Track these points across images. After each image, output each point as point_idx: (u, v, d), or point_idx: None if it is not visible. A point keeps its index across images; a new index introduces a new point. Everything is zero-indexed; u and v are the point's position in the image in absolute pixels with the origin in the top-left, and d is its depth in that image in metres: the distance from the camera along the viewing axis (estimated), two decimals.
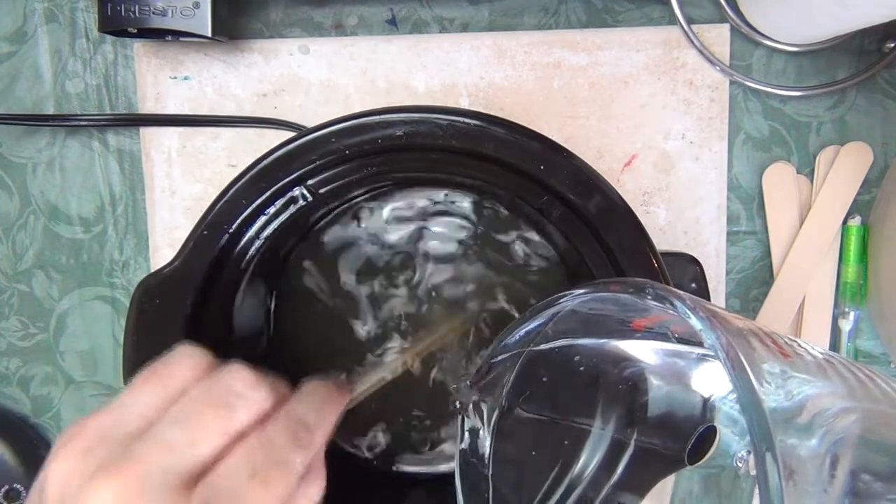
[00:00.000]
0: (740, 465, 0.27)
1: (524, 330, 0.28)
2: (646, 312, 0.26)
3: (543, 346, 0.29)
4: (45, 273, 0.41)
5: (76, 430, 0.21)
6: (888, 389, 0.23)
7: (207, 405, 0.21)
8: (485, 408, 0.29)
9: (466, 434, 0.29)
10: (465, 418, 0.29)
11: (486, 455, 0.29)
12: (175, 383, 0.22)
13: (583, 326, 0.28)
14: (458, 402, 0.30)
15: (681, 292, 0.22)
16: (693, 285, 0.31)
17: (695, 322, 0.20)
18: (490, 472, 0.28)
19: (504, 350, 0.29)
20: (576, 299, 0.25)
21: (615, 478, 0.29)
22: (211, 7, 0.35)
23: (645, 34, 0.37)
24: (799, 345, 0.23)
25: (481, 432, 0.29)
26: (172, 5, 0.34)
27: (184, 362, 0.23)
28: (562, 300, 0.25)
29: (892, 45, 0.36)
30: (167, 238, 0.40)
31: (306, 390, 0.25)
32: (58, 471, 0.20)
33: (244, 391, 0.22)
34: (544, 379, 0.30)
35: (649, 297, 0.22)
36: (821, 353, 0.23)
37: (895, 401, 0.23)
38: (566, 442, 0.30)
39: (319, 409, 0.24)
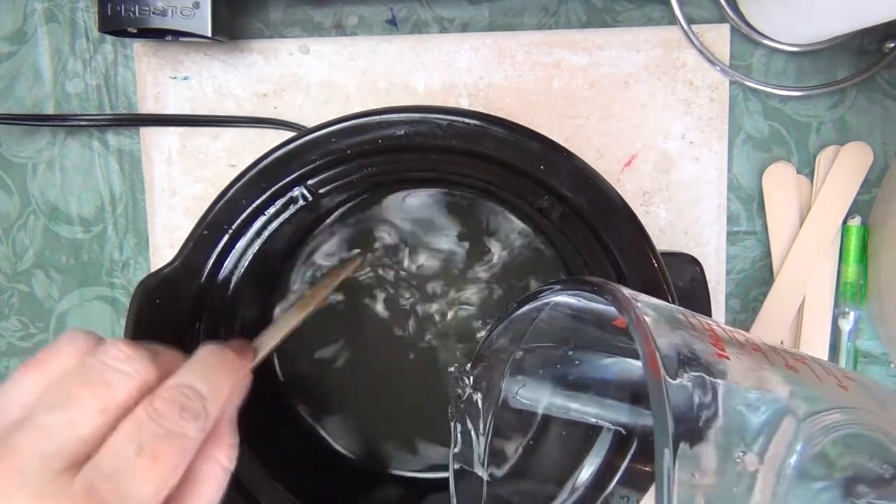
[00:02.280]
0: (738, 461, 0.27)
1: (508, 319, 0.28)
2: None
3: (536, 345, 0.29)
4: (45, 273, 0.41)
5: None
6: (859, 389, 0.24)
7: (82, 384, 0.21)
8: (480, 407, 0.29)
9: (459, 437, 0.29)
10: (458, 422, 0.29)
11: (482, 457, 0.29)
12: (55, 368, 0.21)
13: (575, 322, 0.28)
14: (451, 407, 0.30)
15: (617, 285, 0.22)
16: (693, 285, 0.31)
17: (617, 308, 0.20)
18: (486, 475, 0.28)
19: (495, 341, 0.29)
20: (557, 294, 0.25)
21: (618, 474, 0.29)
22: (211, 7, 0.35)
23: (645, 34, 0.37)
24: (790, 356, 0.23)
25: (474, 435, 0.29)
26: (172, 5, 0.34)
27: (65, 347, 0.22)
28: (543, 294, 0.25)
29: (892, 45, 0.36)
30: (167, 238, 0.40)
31: (197, 358, 0.24)
32: None
33: (120, 365, 0.21)
34: (540, 372, 0.29)
35: (588, 291, 0.22)
36: (819, 366, 0.24)
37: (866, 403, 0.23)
38: (566, 438, 0.30)
39: (212, 375, 0.23)
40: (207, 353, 0.24)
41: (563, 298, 0.26)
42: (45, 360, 0.22)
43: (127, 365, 0.21)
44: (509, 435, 0.29)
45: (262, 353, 0.27)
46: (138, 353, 0.22)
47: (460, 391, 0.30)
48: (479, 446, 0.29)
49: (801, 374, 0.23)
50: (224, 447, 0.23)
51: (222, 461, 0.23)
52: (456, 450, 0.29)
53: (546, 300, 0.26)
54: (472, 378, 0.29)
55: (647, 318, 0.19)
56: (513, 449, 0.30)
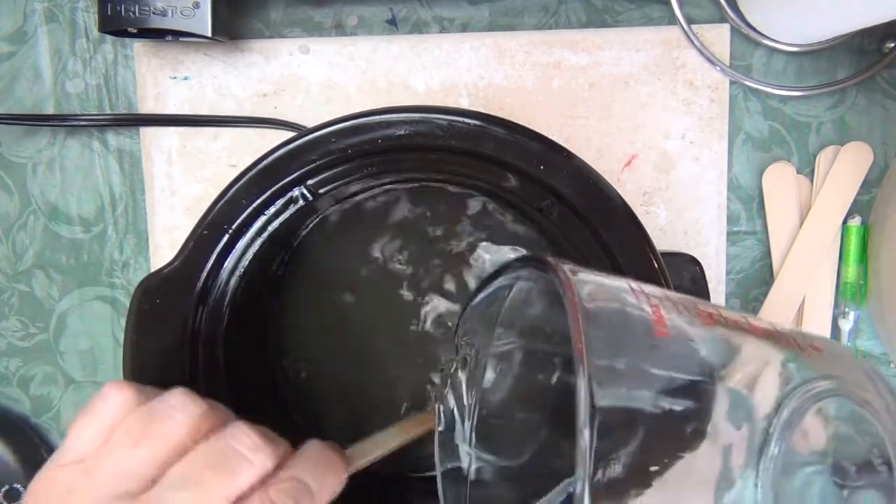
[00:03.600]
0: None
1: (476, 301, 0.27)
2: None
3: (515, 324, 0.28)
4: (45, 273, 0.41)
5: (61, 482, 0.21)
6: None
7: (211, 469, 0.21)
8: (464, 387, 0.29)
9: (442, 417, 0.29)
10: (442, 402, 0.29)
11: (467, 435, 0.28)
12: (173, 439, 0.21)
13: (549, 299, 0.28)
14: (434, 390, 0.29)
15: (560, 262, 0.22)
16: (693, 285, 0.31)
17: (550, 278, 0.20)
18: (472, 452, 0.28)
19: (470, 321, 0.28)
20: (516, 271, 0.25)
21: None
22: (211, 7, 0.35)
23: (645, 34, 0.37)
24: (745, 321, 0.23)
25: (457, 414, 0.29)
26: (172, 5, 0.34)
27: (179, 418, 0.22)
28: (504, 273, 0.25)
29: (892, 45, 0.36)
30: (167, 238, 0.40)
31: (308, 453, 0.24)
32: None
33: (248, 453, 0.22)
34: (522, 354, 0.29)
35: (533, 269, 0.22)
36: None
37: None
38: (552, 415, 0.30)
39: (322, 472, 0.24)
40: (318, 451, 0.25)
41: (525, 278, 0.26)
42: (161, 429, 0.21)
43: (254, 454, 0.22)
44: (496, 413, 0.29)
45: (358, 463, 0.27)
46: (264, 443, 0.22)
47: (444, 370, 0.29)
48: (464, 425, 0.28)
49: (781, 345, 0.23)
50: None
51: None
52: (440, 428, 0.29)
53: (507, 279, 0.26)
54: (455, 361, 0.29)
55: (584, 301, 0.19)
56: (499, 427, 0.29)
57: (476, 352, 0.29)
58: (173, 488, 0.20)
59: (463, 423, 0.28)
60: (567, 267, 0.21)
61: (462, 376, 0.29)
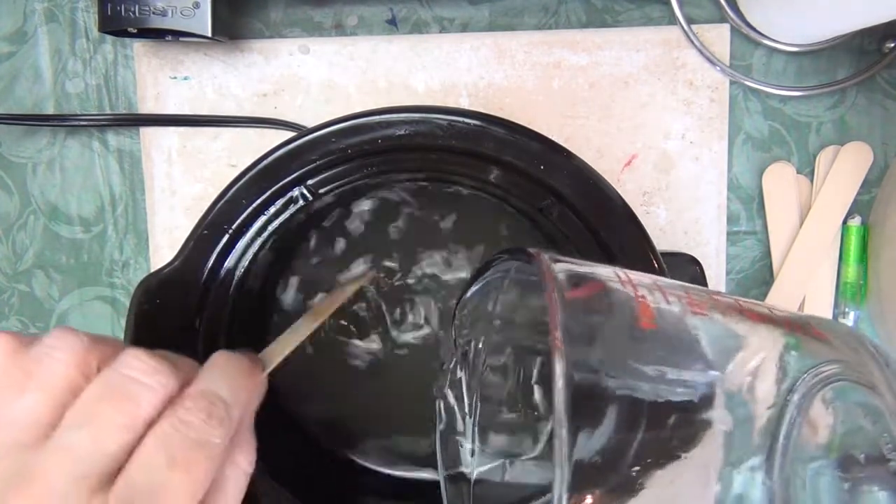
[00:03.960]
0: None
1: (469, 294, 0.27)
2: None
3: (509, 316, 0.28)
4: (45, 273, 0.41)
5: None
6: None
7: (106, 400, 0.20)
8: (464, 381, 0.29)
9: (444, 414, 0.29)
10: (443, 398, 0.29)
11: (469, 431, 0.28)
12: (60, 378, 0.20)
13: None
14: (435, 387, 0.29)
15: (544, 254, 0.21)
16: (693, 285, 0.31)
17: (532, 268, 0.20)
18: (475, 449, 0.28)
19: (466, 308, 0.28)
20: (503, 263, 0.25)
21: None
22: (211, 7, 0.35)
23: (645, 34, 0.37)
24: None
25: (457, 409, 0.28)
26: (172, 5, 0.34)
27: (61, 356, 0.21)
28: (494, 264, 0.25)
29: (892, 45, 0.36)
30: (167, 238, 0.40)
31: (214, 364, 0.23)
32: None
33: (144, 378, 0.21)
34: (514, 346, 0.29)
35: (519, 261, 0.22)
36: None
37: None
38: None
39: (232, 381, 0.23)
40: (224, 360, 0.24)
41: (513, 269, 0.26)
42: (42, 372, 0.20)
43: (150, 378, 0.21)
44: (496, 406, 0.29)
45: (273, 362, 0.27)
46: (160, 363, 0.21)
47: (443, 365, 0.29)
48: (465, 421, 0.28)
49: (780, 328, 0.22)
50: (245, 452, 0.23)
51: (244, 466, 0.23)
52: (441, 426, 0.29)
53: (496, 271, 0.26)
54: (454, 357, 0.29)
55: (565, 291, 0.19)
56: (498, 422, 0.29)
57: (475, 347, 0.28)
58: (71, 429, 0.19)
59: (464, 419, 0.28)
60: (549, 256, 0.21)
61: (461, 372, 0.29)
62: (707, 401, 0.20)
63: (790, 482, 0.20)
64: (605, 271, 0.22)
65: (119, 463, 0.20)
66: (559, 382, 0.17)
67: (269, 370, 0.26)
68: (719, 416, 0.20)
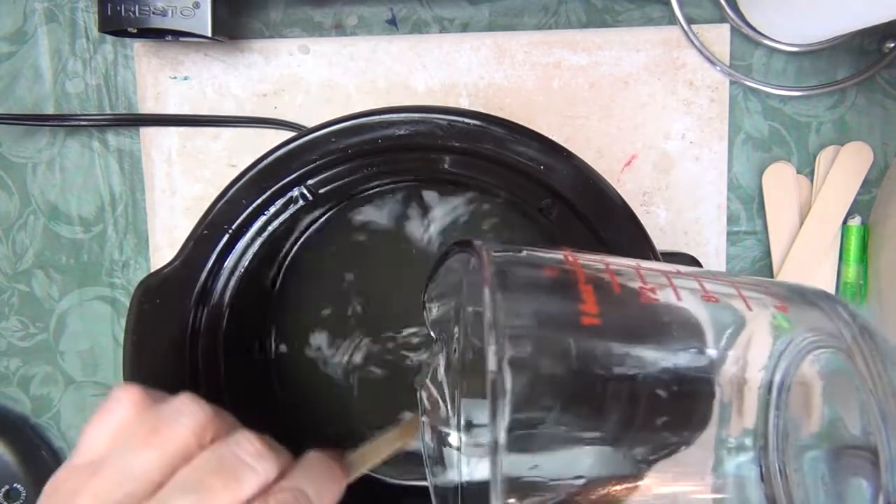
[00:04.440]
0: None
1: (430, 286, 0.27)
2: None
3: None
4: (45, 273, 0.41)
5: (71, 484, 0.21)
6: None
7: (216, 475, 0.21)
8: (442, 371, 0.28)
9: (427, 404, 0.29)
10: (425, 390, 0.29)
11: (454, 422, 0.28)
12: (179, 443, 0.22)
13: None
14: (416, 379, 0.29)
15: (484, 246, 0.22)
16: None
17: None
18: (462, 439, 0.28)
19: (430, 301, 0.28)
20: (456, 254, 0.25)
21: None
22: (211, 7, 0.35)
23: (645, 34, 0.37)
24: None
25: (439, 398, 0.28)
26: (172, 5, 0.34)
27: (185, 422, 0.22)
28: (447, 257, 0.25)
29: (892, 45, 0.36)
30: (167, 238, 0.40)
31: (309, 463, 0.25)
32: None
33: (252, 462, 0.22)
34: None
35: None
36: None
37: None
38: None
39: (321, 481, 0.24)
40: (317, 461, 0.25)
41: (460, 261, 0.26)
42: (167, 434, 0.22)
43: (258, 463, 0.22)
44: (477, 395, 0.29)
45: (357, 472, 0.28)
46: (268, 451, 0.23)
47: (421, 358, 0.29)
48: (448, 410, 0.28)
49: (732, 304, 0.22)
50: None
51: None
52: (424, 418, 0.29)
53: (451, 263, 0.26)
54: (433, 348, 0.29)
55: (505, 279, 0.20)
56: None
57: (450, 336, 0.28)
58: (178, 493, 0.21)
59: (448, 409, 0.28)
60: (488, 247, 0.21)
61: (441, 362, 0.29)
62: (674, 375, 0.20)
63: (784, 459, 0.20)
64: (552, 255, 0.22)
65: None
66: (490, 377, 0.18)
67: (352, 479, 0.27)
68: (679, 390, 0.20)
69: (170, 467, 0.21)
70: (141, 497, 0.21)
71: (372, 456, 0.28)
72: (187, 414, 0.22)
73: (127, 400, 0.23)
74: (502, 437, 0.17)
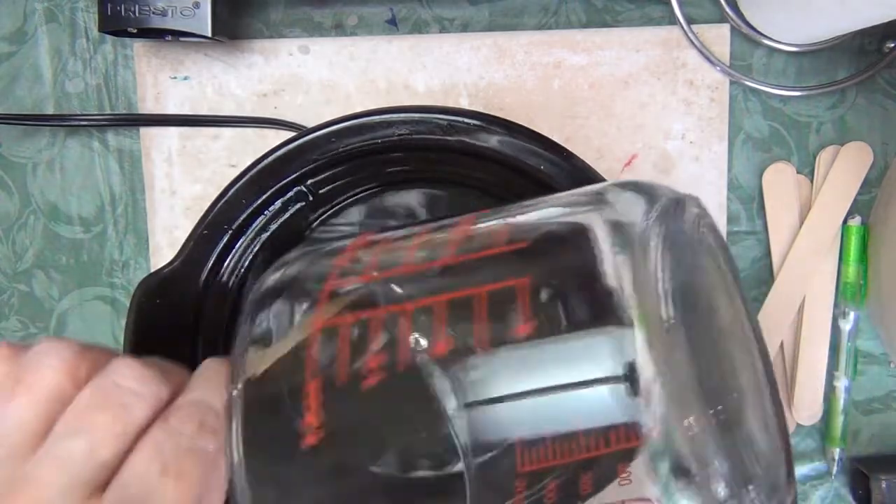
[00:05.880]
0: None
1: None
2: None
3: None
4: (45, 273, 0.41)
5: None
6: None
7: (100, 409, 0.20)
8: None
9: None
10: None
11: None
12: (49, 387, 0.20)
13: None
14: None
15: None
16: None
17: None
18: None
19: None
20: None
21: None
22: (211, 7, 0.35)
23: (645, 34, 0.37)
24: None
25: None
26: (172, 5, 0.34)
27: (50, 362, 0.21)
28: None
29: (892, 45, 0.36)
30: (167, 238, 0.40)
31: (204, 373, 0.23)
32: None
33: (137, 386, 0.20)
34: None
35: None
36: None
37: None
38: None
39: (222, 389, 0.23)
40: (214, 368, 0.24)
41: None
42: (32, 382, 0.20)
43: (142, 386, 0.21)
44: None
45: (260, 370, 0.27)
46: (151, 372, 0.21)
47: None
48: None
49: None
50: None
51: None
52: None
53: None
54: None
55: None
56: None
57: None
58: (65, 438, 0.19)
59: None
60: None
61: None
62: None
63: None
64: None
65: (111, 471, 0.20)
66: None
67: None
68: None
69: (47, 414, 0.20)
70: (25, 451, 0.19)
71: (273, 353, 0.28)
72: (52, 355, 0.21)
73: None
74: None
